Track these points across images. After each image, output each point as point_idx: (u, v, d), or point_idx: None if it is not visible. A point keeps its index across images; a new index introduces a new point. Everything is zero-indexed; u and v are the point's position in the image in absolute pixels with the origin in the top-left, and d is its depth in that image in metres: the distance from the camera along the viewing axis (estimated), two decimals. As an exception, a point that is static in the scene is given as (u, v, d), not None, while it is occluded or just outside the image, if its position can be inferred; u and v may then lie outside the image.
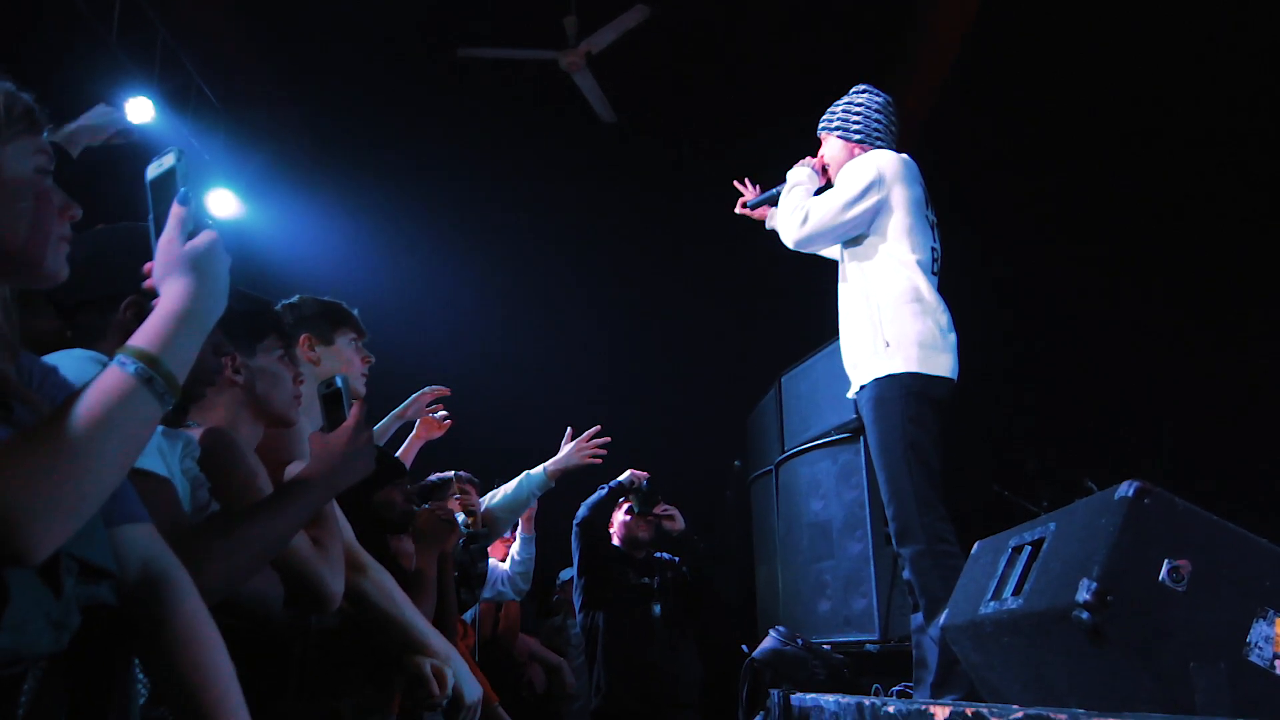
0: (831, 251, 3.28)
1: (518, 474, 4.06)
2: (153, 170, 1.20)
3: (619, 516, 4.62)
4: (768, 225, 3.44)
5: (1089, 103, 6.15)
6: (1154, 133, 5.97)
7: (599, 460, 3.84)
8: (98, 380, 0.99)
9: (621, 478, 4.49)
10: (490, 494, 3.95)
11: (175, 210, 1.14)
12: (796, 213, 3.10)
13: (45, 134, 1.13)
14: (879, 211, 3.00)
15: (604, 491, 4.49)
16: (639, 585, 4.46)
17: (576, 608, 4.62)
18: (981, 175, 6.25)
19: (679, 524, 4.53)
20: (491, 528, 3.87)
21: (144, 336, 1.04)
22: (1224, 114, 5.77)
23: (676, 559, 4.62)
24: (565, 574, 5.96)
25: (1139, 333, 6.12)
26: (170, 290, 1.10)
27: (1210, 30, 5.42)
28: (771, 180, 3.43)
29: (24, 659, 0.94)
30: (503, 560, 4.52)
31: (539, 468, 3.86)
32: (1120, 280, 6.22)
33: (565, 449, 3.83)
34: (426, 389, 3.56)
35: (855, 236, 3.07)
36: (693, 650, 4.54)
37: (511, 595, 4.49)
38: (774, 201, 3.35)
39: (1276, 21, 5.06)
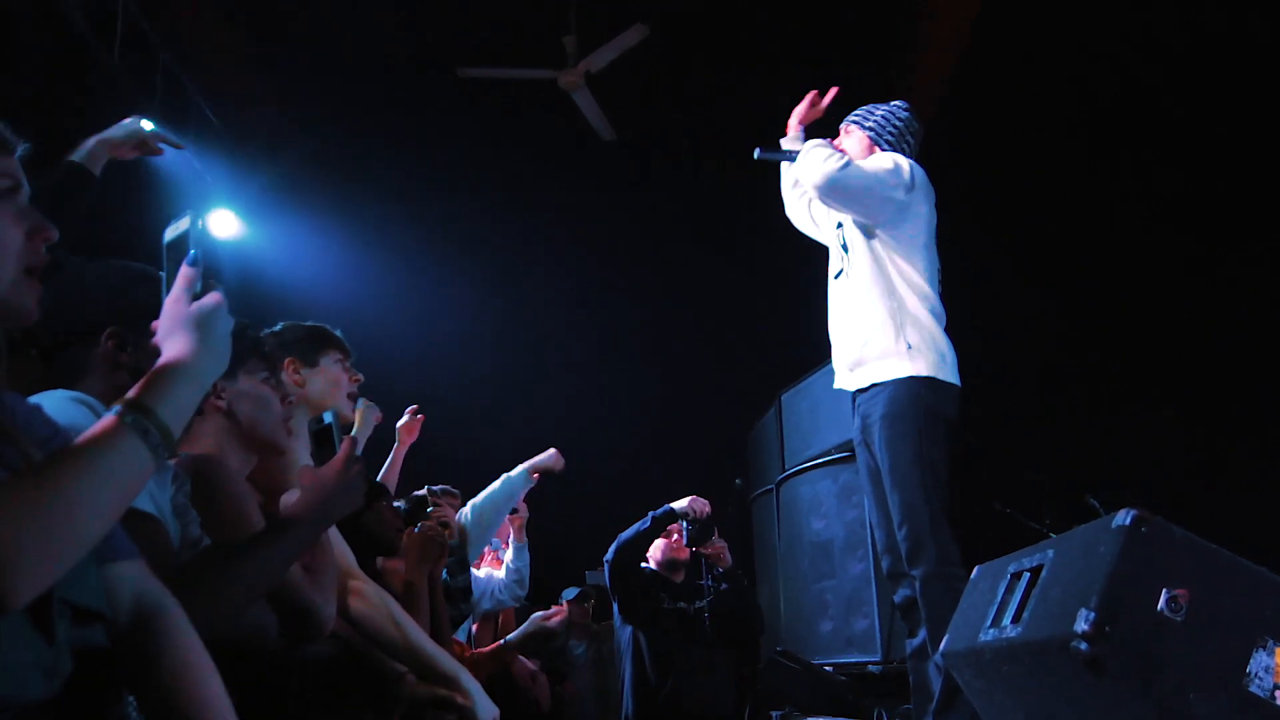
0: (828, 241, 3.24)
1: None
2: (170, 232, 1.25)
3: (659, 539, 4.37)
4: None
5: (1097, 103, 6.14)
6: (1166, 140, 5.94)
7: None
8: (92, 430, 1.00)
9: (680, 504, 4.24)
10: (471, 501, 4.01)
11: (184, 271, 1.18)
12: (834, 158, 2.94)
13: (18, 155, 1.11)
14: (903, 211, 2.97)
15: (645, 524, 4.24)
16: (674, 610, 4.25)
17: (615, 621, 4.47)
18: (986, 185, 6.24)
19: (727, 561, 4.30)
20: (481, 530, 3.96)
21: (142, 390, 1.05)
22: (1229, 110, 5.72)
23: (724, 585, 4.33)
24: (568, 594, 5.95)
25: (1142, 346, 6.11)
26: (172, 347, 1.12)
27: (1211, 26, 5.39)
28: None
29: (12, 706, 0.93)
30: (497, 570, 4.55)
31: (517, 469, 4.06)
32: (1126, 291, 6.20)
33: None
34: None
35: (874, 233, 3.00)
36: (727, 676, 4.28)
37: (510, 603, 4.53)
38: (785, 158, 3.26)
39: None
